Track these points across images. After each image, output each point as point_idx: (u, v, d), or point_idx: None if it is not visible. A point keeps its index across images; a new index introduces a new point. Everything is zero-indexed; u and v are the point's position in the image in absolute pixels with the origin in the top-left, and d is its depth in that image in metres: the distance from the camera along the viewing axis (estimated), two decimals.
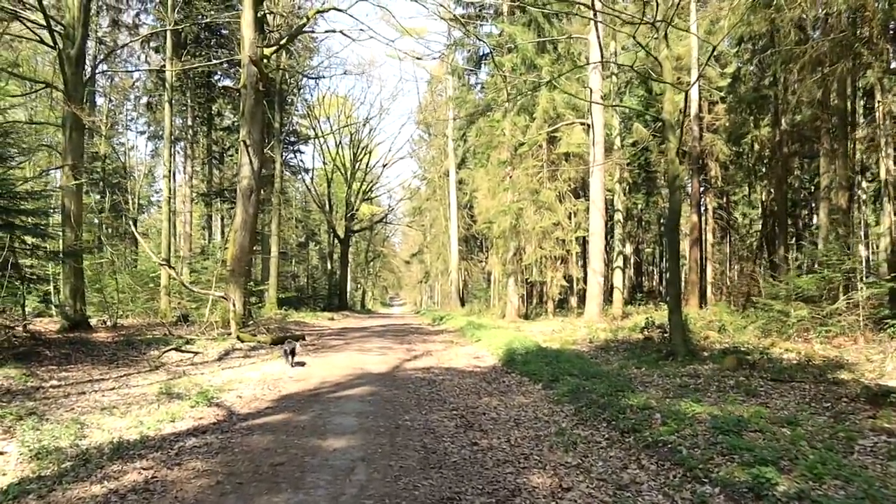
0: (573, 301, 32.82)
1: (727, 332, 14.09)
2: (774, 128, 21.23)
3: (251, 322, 19.69)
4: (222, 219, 40.54)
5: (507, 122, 26.03)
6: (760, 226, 26.53)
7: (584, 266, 31.18)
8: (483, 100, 33.01)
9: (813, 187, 29.49)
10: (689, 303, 21.40)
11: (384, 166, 51.42)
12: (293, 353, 13.34)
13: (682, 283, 20.28)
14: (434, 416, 7.67)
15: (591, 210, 22.28)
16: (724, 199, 30.40)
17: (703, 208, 26.67)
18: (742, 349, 11.58)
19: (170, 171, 28.52)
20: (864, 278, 11.84)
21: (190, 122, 39.21)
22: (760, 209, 28.09)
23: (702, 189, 24.78)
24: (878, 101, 13.40)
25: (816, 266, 13.78)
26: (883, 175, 13.50)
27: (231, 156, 39.91)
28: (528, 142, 24.49)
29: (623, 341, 15.11)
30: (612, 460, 5.68)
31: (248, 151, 19.40)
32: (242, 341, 16.04)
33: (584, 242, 31.73)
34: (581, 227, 25.28)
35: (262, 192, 37.81)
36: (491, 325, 21.51)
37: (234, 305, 17.82)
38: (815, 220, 30.57)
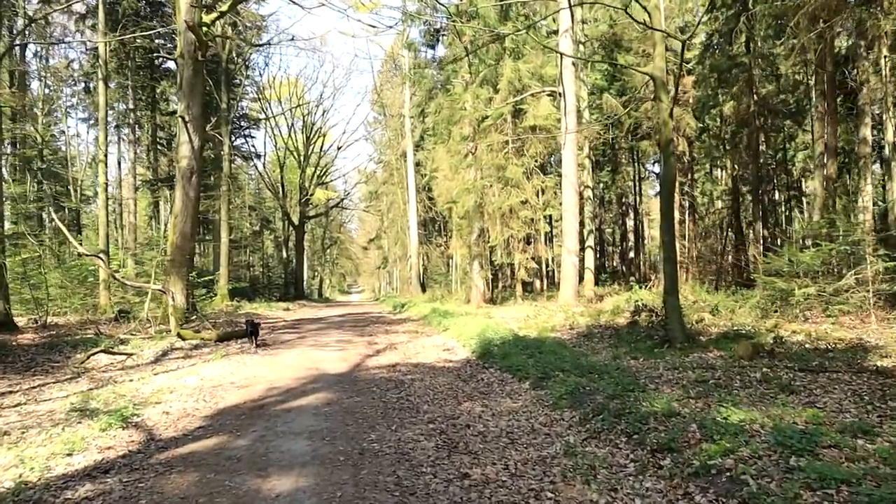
0: (539, 284, 31.74)
1: (720, 313, 12.94)
2: (749, 97, 20.24)
3: (195, 317, 17.86)
4: (170, 207, 38.17)
5: (470, 95, 24.41)
6: (731, 201, 25.70)
7: (551, 246, 30.08)
8: (441, 75, 31.41)
9: (774, 163, 28.86)
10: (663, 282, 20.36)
11: (339, 149, 49.59)
12: (256, 333, 13.40)
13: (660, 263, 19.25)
14: (407, 433, 6.14)
15: (564, 184, 20.79)
16: (689, 176, 29.54)
17: None
18: (745, 332, 10.42)
19: (105, 156, 26.24)
20: (873, 251, 10.69)
21: (132, 106, 36.76)
22: (730, 185, 27.30)
23: None
24: (885, 57, 12.28)
25: (810, 240, 12.71)
26: (890, 137, 12.43)
27: None
28: (493, 114, 22.91)
29: (606, 326, 13.85)
30: (652, 496, 4.23)
31: (187, 128, 17.41)
32: (184, 339, 14.24)
33: (552, 222, 30.54)
34: (549, 204, 23.98)
35: (210, 176, 35.87)
36: (457, 312, 20.02)
37: (173, 299, 15.96)
38: (777, 196, 30.06)
